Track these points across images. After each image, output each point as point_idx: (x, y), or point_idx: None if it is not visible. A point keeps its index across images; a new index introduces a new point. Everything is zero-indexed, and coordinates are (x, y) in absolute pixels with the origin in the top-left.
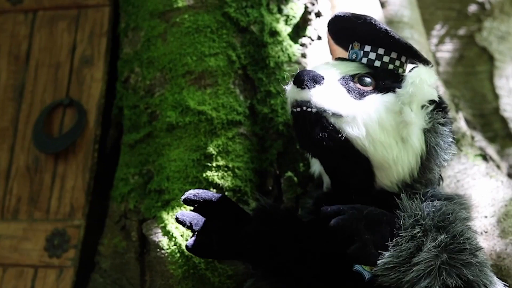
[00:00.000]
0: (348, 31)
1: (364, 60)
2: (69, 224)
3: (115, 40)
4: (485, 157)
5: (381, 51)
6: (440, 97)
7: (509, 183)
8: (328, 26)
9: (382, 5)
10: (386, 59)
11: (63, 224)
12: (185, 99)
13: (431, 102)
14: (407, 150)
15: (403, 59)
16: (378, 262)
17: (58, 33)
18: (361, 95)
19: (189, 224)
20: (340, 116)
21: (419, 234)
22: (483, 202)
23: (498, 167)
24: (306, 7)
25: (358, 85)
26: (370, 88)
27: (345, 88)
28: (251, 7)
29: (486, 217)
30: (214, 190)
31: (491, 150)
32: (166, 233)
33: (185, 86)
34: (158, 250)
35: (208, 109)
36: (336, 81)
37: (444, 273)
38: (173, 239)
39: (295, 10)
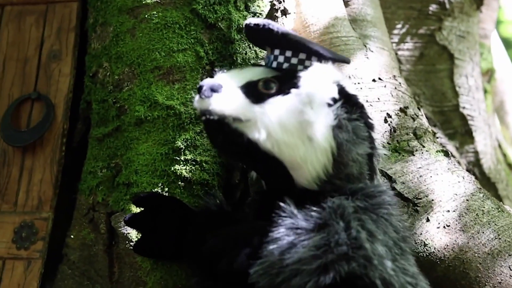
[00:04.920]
0: (258, 38)
1: (274, 63)
2: (37, 216)
3: (83, 35)
4: (447, 153)
5: (288, 53)
6: (348, 93)
7: (470, 178)
8: (245, 35)
9: (346, 3)
10: (294, 60)
11: (31, 217)
12: (154, 94)
13: (335, 99)
14: (315, 148)
15: (314, 58)
16: (250, 271)
17: (26, 28)
18: (261, 99)
19: (136, 226)
20: (240, 120)
21: (289, 237)
22: (445, 197)
23: (459, 163)
24: (272, 5)
25: (263, 90)
26: (273, 91)
27: (245, 93)
28: (219, 4)
29: (448, 211)
30: (182, 184)
31: (450, 147)
32: None
33: (153, 81)
34: (127, 242)
35: (176, 104)
36: (236, 88)
37: (319, 270)
38: None
39: (261, 7)
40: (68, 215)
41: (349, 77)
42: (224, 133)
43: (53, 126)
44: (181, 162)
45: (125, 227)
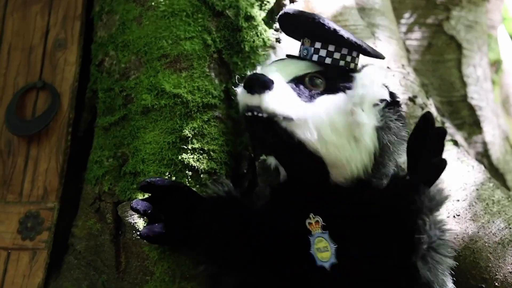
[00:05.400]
0: (298, 27)
1: (315, 57)
2: (43, 206)
3: (89, 24)
4: (456, 142)
5: (331, 47)
6: (392, 93)
7: (479, 167)
8: (278, 21)
9: None
10: (337, 55)
11: (36, 207)
12: (161, 82)
13: (382, 100)
14: (360, 149)
15: (355, 53)
16: None
17: (31, 17)
18: (311, 97)
19: (143, 212)
20: (291, 120)
21: None
22: (455, 186)
23: (468, 153)
24: None
25: (309, 86)
26: (321, 89)
27: (296, 91)
28: None
29: (458, 200)
30: (190, 173)
31: (459, 137)
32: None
33: (160, 69)
34: (134, 231)
35: (183, 92)
36: (286, 85)
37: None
38: None
39: None
40: (74, 205)
41: None
42: (273, 131)
43: (59, 115)
44: (189, 151)
45: (132, 216)
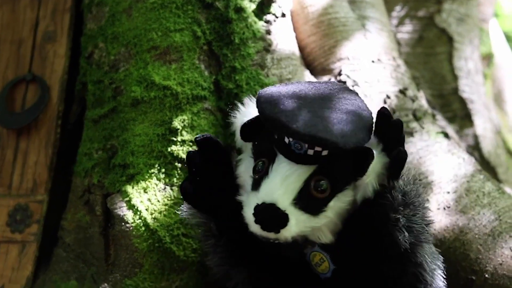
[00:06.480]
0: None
1: (310, 151)
2: (32, 199)
3: (79, 16)
4: (446, 134)
5: None
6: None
7: (470, 160)
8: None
9: None
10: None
11: (25, 200)
12: (150, 74)
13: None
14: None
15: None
16: None
17: (21, 10)
18: (321, 206)
19: (195, 166)
20: (307, 235)
21: None
22: (445, 178)
23: (459, 145)
24: None
25: (316, 195)
26: (327, 193)
27: (306, 210)
28: None
29: (448, 192)
30: (179, 165)
31: (450, 130)
32: (131, 207)
33: (150, 61)
34: (123, 224)
35: (173, 84)
36: (297, 212)
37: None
38: (138, 213)
39: None
40: (63, 198)
41: (348, 58)
42: (290, 248)
43: (48, 108)
44: (178, 143)
45: (121, 208)
